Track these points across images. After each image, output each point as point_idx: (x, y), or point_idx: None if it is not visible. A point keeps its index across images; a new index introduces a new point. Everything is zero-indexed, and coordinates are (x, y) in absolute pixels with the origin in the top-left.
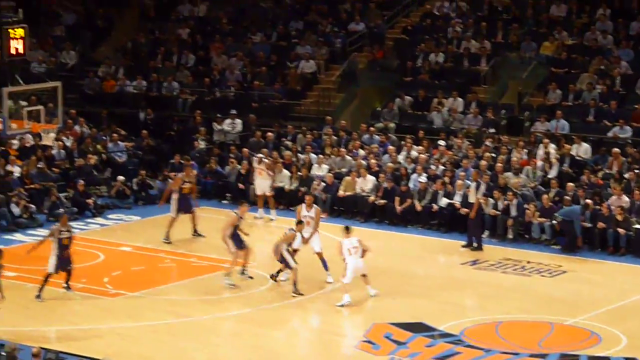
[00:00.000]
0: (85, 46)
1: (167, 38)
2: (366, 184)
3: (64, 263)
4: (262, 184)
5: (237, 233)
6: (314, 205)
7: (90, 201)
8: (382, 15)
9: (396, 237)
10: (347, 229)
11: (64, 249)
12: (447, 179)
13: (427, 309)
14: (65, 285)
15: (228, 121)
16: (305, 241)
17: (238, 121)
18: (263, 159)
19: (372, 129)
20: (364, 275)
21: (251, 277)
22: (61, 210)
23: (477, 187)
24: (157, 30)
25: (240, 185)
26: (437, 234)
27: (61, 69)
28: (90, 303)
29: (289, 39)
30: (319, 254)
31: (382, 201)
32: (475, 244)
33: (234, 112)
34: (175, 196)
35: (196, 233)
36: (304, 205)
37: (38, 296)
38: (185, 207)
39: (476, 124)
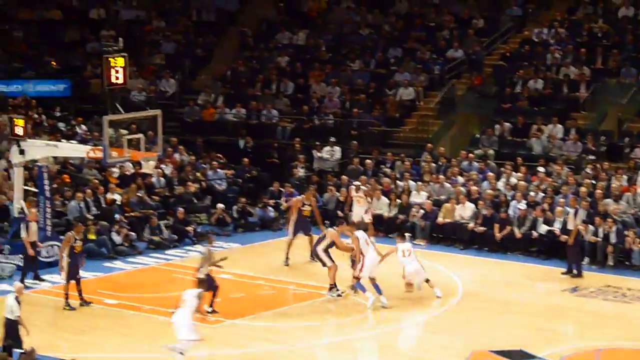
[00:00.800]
0: (185, 74)
1: (266, 66)
2: (465, 211)
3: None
4: (359, 211)
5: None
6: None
7: (190, 229)
8: (480, 42)
9: (496, 264)
10: (401, 235)
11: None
12: (546, 206)
13: (527, 336)
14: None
15: (327, 149)
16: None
17: (337, 149)
18: (360, 187)
19: (471, 155)
20: (427, 281)
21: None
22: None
23: (576, 214)
24: (256, 58)
25: (339, 213)
26: (537, 261)
27: (161, 98)
28: None
29: (387, 66)
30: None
31: (482, 228)
32: (575, 271)
33: (333, 139)
34: (293, 218)
35: (312, 257)
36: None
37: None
38: (303, 228)
39: (576, 150)
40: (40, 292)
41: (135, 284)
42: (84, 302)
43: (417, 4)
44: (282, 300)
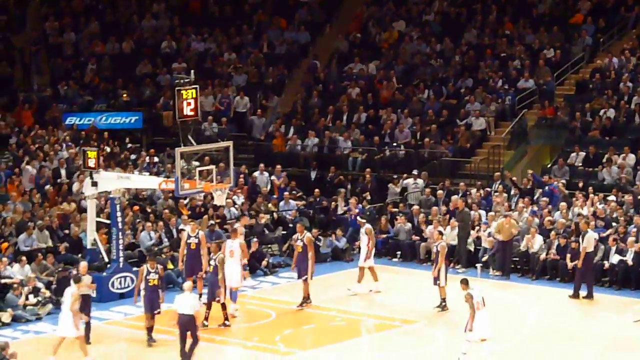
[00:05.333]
0: (256, 106)
1: (338, 97)
2: (535, 243)
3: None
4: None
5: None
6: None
7: (264, 262)
8: (551, 72)
9: (568, 294)
10: (466, 281)
11: None
12: (618, 236)
13: None
14: None
15: (409, 181)
16: None
17: (420, 180)
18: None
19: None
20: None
21: None
22: None
23: (583, 237)
24: (327, 89)
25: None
26: (610, 291)
27: (232, 130)
28: None
29: (458, 96)
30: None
31: (557, 257)
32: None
33: (415, 172)
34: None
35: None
36: None
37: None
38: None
39: None
40: (112, 323)
41: (209, 315)
42: (150, 339)
43: (487, 35)
44: (353, 331)
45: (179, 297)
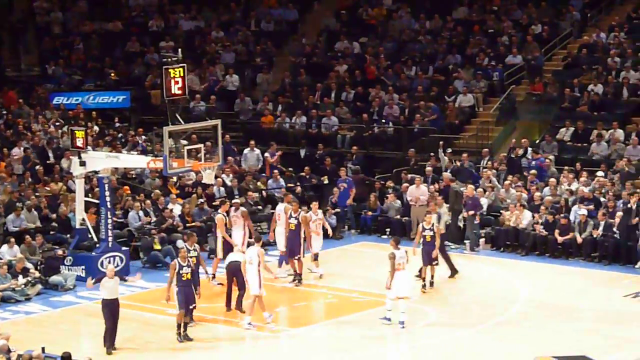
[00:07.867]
0: (244, 84)
1: (326, 74)
2: (523, 219)
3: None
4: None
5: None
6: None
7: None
8: (539, 47)
9: (557, 270)
10: (396, 241)
11: None
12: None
13: (591, 342)
14: None
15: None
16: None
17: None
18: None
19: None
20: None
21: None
22: None
23: (439, 218)
24: (315, 67)
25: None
26: (599, 266)
27: (220, 108)
28: (252, 340)
29: (447, 73)
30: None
31: (544, 232)
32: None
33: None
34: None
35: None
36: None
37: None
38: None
39: (637, 154)
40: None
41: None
42: (186, 336)
43: (475, 11)
44: (344, 309)
45: (232, 254)
